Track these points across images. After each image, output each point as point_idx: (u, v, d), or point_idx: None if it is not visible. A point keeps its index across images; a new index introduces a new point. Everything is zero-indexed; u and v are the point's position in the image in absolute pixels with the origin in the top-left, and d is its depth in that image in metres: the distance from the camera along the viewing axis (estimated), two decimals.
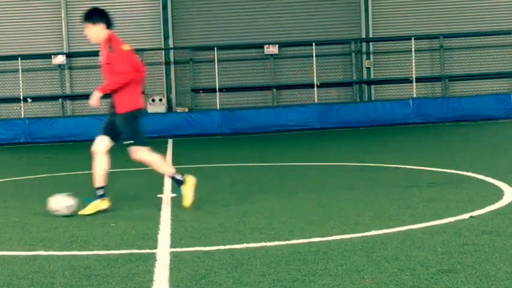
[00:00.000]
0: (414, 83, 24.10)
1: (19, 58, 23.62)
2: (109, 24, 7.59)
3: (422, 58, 24.56)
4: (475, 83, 24.53)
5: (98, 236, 6.16)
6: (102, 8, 7.85)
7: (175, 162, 13.34)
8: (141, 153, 7.62)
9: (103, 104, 7.72)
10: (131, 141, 7.57)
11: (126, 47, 7.58)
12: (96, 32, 7.54)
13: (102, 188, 7.62)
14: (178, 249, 5.48)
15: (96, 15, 7.58)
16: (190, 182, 7.54)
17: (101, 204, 7.54)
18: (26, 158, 16.67)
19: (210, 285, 4.44)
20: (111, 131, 7.64)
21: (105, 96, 7.58)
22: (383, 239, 5.57)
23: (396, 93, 24.45)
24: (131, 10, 24.43)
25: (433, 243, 5.34)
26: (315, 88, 23.98)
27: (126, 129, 7.54)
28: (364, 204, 7.33)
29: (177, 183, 7.60)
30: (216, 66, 23.89)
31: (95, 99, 7.48)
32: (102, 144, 7.71)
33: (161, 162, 7.70)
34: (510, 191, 7.69)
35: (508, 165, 10.42)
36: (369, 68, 24.67)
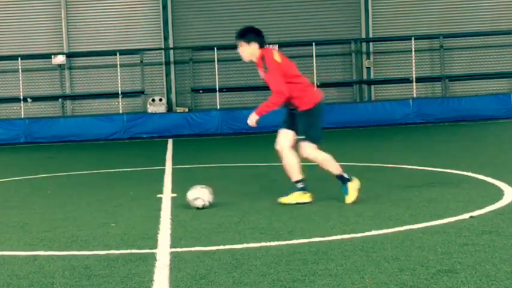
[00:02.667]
0: (414, 83, 24.10)
1: (19, 58, 23.63)
2: (262, 44, 7.62)
3: (422, 58, 24.56)
4: (475, 83, 24.53)
5: (98, 236, 6.16)
6: (256, 27, 7.81)
7: (175, 162, 13.36)
8: (310, 151, 7.57)
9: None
10: (303, 137, 7.56)
11: (277, 57, 7.55)
12: (250, 52, 7.58)
13: (301, 181, 7.58)
14: (178, 249, 5.48)
15: (251, 34, 7.59)
16: (356, 182, 7.56)
17: (303, 196, 7.54)
18: (26, 158, 16.67)
19: (210, 285, 4.44)
20: (292, 124, 7.68)
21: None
22: (383, 239, 5.57)
23: (396, 93, 24.45)
24: (131, 10, 24.44)
25: (433, 243, 5.34)
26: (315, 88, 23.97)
27: (302, 124, 7.56)
28: (364, 204, 7.33)
29: (343, 181, 7.58)
30: (216, 66, 23.89)
31: (253, 121, 7.59)
32: (285, 140, 7.64)
33: (330, 161, 7.64)
34: (510, 191, 7.69)
35: (508, 165, 10.42)
36: (369, 68, 24.67)
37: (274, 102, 7.53)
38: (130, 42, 24.29)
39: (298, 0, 24.49)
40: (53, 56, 23.83)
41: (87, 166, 13.19)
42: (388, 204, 7.22)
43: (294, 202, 7.47)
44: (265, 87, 26.91)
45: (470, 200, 7.26)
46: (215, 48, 23.87)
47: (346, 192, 7.51)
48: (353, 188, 7.50)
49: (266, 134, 21.27)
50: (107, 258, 5.25)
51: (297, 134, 7.61)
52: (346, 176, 7.57)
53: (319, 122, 7.64)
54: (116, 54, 23.81)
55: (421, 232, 5.77)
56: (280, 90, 7.46)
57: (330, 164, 7.63)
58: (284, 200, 7.52)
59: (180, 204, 7.76)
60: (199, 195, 7.46)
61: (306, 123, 7.56)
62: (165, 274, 4.72)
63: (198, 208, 7.37)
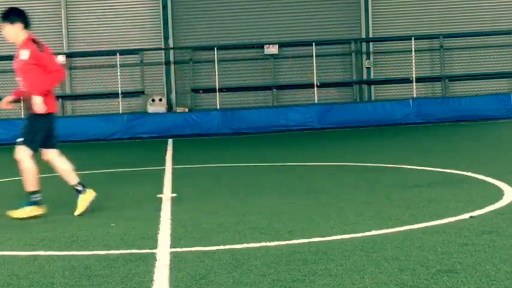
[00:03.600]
0: (414, 83, 24.10)
1: None
2: (27, 24, 7.56)
3: (422, 58, 24.56)
4: (475, 83, 24.53)
5: (98, 236, 6.16)
6: (19, 7, 7.82)
7: (175, 162, 13.36)
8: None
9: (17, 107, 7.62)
10: (21, 140, 7.45)
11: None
12: (14, 32, 7.50)
13: (36, 192, 7.47)
14: (178, 249, 5.48)
15: (13, 14, 7.52)
16: (89, 195, 7.55)
17: (36, 210, 7.40)
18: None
19: (210, 285, 4.44)
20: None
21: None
22: (383, 239, 5.57)
23: (396, 93, 24.45)
24: (131, 10, 24.43)
25: (433, 243, 5.34)
26: (315, 88, 23.98)
27: (26, 126, 7.43)
28: (364, 204, 7.33)
29: (77, 192, 7.53)
30: (216, 66, 23.89)
31: (39, 105, 7.27)
32: (24, 151, 7.53)
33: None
34: (510, 191, 7.69)
35: (508, 165, 10.42)
36: (369, 68, 24.66)
37: (56, 79, 7.40)
38: (131, 42, 24.29)
39: (298, 0, 24.48)
40: None
41: (87, 166, 13.19)
42: (388, 204, 7.22)
43: (27, 216, 7.28)
44: (265, 87, 26.59)
45: (470, 200, 7.26)
46: (215, 48, 23.87)
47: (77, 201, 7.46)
48: (84, 200, 7.46)
49: (266, 134, 21.30)
50: (107, 258, 5.25)
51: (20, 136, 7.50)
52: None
53: (43, 130, 7.49)
54: (116, 54, 23.81)
55: (421, 232, 5.77)
56: (60, 69, 7.42)
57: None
58: (15, 214, 7.31)
59: (180, 204, 7.77)
60: None
61: (31, 127, 7.46)
62: (165, 274, 4.72)
63: None
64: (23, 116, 7.48)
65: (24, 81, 7.53)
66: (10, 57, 23.38)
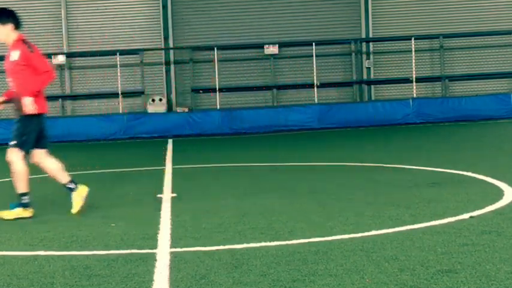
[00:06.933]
0: (414, 83, 24.10)
1: None
2: (18, 25, 7.47)
3: (422, 58, 24.56)
4: (475, 83, 24.53)
5: (98, 236, 6.16)
6: (11, 8, 7.68)
7: (175, 162, 13.36)
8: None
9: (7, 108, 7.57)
10: (14, 142, 7.39)
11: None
12: (5, 33, 7.41)
13: (26, 194, 7.42)
14: (178, 249, 5.48)
15: (4, 15, 7.44)
16: (82, 190, 7.52)
17: (24, 212, 7.36)
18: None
19: (210, 285, 4.44)
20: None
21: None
22: (383, 239, 5.57)
23: (396, 93, 24.44)
24: (131, 10, 24.43)
25: (433, 243, 5.35)
26: (315, 88, 23.97)
27: (17, 128, 7.38)
28: (364, 204, 7.33)
29: (69, 191, 7.51)
30: (216, 66, 23.89)
31: (29, 106, 7.26)
32: (16, 153, 7.47)
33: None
34: (510, 191, 7.69)
35: (508, 165, 10.42)
36: (369, 68, 24.66)
37: (47, 80, 7.37)
38: (130, 42, 24.29)
39: (298, 0, 24.48)
40: (52, 56, 23.81)
41: (88, 166, 13.19)
42: (388, 204, 7.22)
43: (14, 217, 7.24)
44: (265, 87, 26.60)
45: (470, 200, 7.27)
46: (215, 48, 23.86)
47: (70, 200, 7.47)
48: (77, 197, 7.45)
49: (266, 134, 21.29)
50: (107, 258, 5.25)
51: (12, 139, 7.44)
52: (71, 186, 7.50)
53: (34, 131, 7.45)
54: (115, 54, 23.81)
55: (421, 232, 5.77)
56: (50, 69, 7.38)
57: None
58: (2, 215, 7.29)
59: (180, 204, 7.77)
60: None
61: (22, 129, 7.42)
62: (165, 274, 4.72)
63: None
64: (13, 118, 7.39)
65: (15, 82, 7.47)
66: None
